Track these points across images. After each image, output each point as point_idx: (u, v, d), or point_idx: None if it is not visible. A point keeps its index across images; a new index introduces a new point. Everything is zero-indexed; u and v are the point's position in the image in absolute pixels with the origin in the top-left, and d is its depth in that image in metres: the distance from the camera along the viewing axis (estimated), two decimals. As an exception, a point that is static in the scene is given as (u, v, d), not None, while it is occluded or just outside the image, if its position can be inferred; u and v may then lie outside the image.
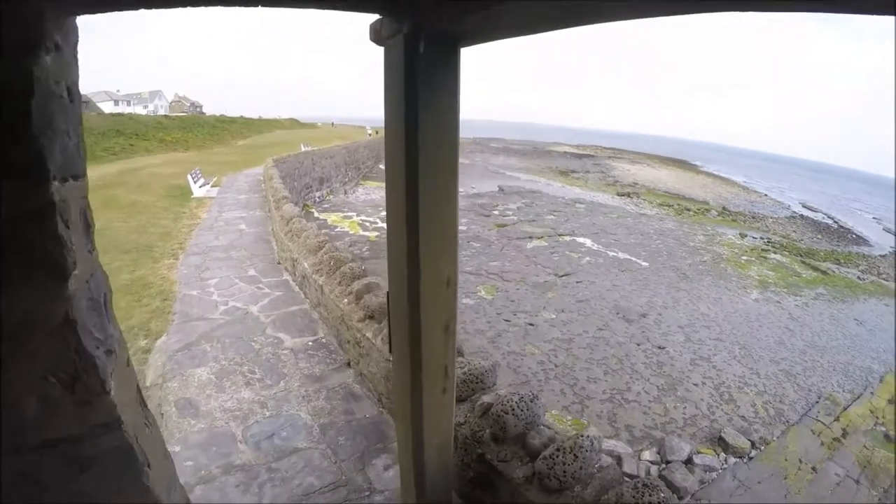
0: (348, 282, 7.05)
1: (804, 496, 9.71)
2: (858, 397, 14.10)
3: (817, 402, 13.21)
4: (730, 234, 36.01)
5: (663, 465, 9.58)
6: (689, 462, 9.86)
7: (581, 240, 27.93)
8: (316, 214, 26.45)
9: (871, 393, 14.49)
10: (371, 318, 5.84)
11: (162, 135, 43.35)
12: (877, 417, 13.11)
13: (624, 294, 19.78)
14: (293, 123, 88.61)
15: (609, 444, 9.82)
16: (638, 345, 15.31)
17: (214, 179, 23.32)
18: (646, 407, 11.77)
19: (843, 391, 14.34)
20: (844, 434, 11.79)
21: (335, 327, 7.05)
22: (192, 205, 18.54)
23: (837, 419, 12.55)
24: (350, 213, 28.90)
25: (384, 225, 27.41)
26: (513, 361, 13.25)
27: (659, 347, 15.36)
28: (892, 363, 16.45)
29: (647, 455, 9.87)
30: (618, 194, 51.08)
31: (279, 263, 10.98)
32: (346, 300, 6.60)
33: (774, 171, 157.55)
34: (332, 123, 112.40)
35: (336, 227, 25.30)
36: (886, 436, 12.02)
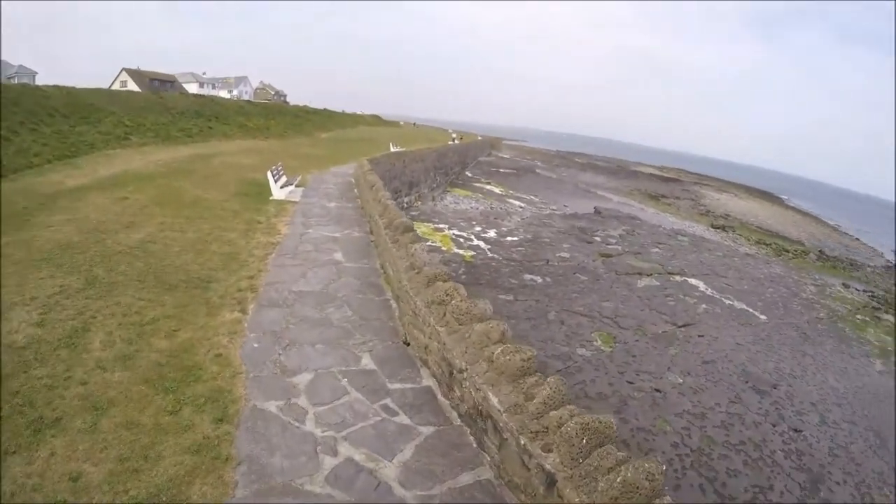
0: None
1: None
2: None
3: None
4: (836, 285, 34.52)
5: None
6: None
7: (693, 282, 25.99)
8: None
9: None
10: None
11: (243, 120, 41.40)
12: None
13: (750, 356, 17.78)
14: (376, 120, 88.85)
15: None
16: (773, 426, 13.67)
17: (299, 179, 19.57)
18: None
19: None
20: None
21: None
22: (270, 210, 14.88)
23: None
24: (441, 225, 26.41)
25: (479, 243, 24.34)
26: (643, 442, 11.71)
27: (795, 431, 13.73)
28: None
29: None
30: (712, 226, 49.44)
31: (407, 344, 7.30)
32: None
33: (852, 208, 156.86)
34: (415, 123, 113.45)
35: (427, 240, 22.25)
36: None
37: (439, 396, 5.93)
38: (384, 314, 8.23)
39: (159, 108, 32.15)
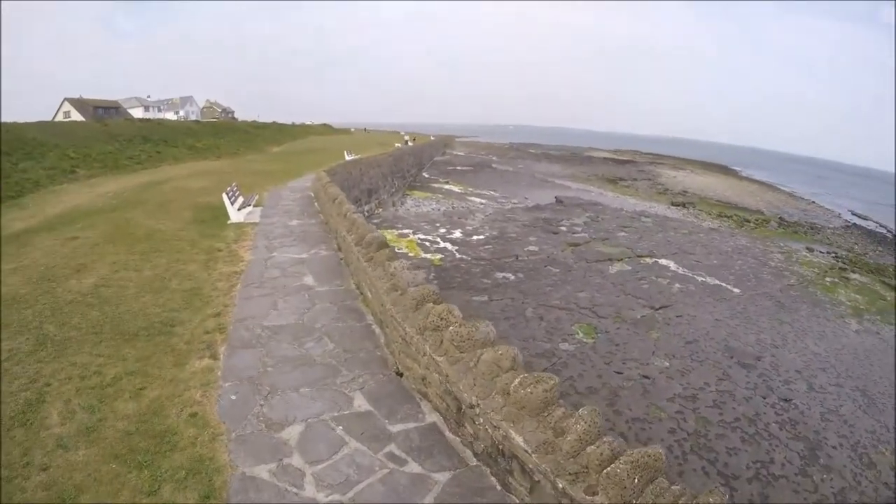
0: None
1: None
2: None
3: None
4: (800, 250, 35.45)
5: None
6: None
7: (664, 262, 26.10)
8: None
9: None
10: None
11: (192, 141, 40.35)
12: None
13: (730, 331, 17.95)
14: (327, 129, 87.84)
15: None
16: (764, 398, 13.79)
17: (256, 198, 18.69)
18: (794, 483, 10.67)
19: None
20: None
21: None
22: (229, 235, 13.95)
23: None
24: (405, 231, 25.82)
25: (446, 244, 23.55)
26: (641, 432, 11.50)
27: (785, 400, 13.90)
28: None
29: None
30: (672, 204, 50.10)
31: (399, 375, 6.63)
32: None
33: (802, 173, 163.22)
34: (366, 129, 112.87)
35: (392, 247, 21.57)
36: None
37: (447, 433, 5.35)
38: (369, 342, 7.56)
39: (105, 137, 30.96)
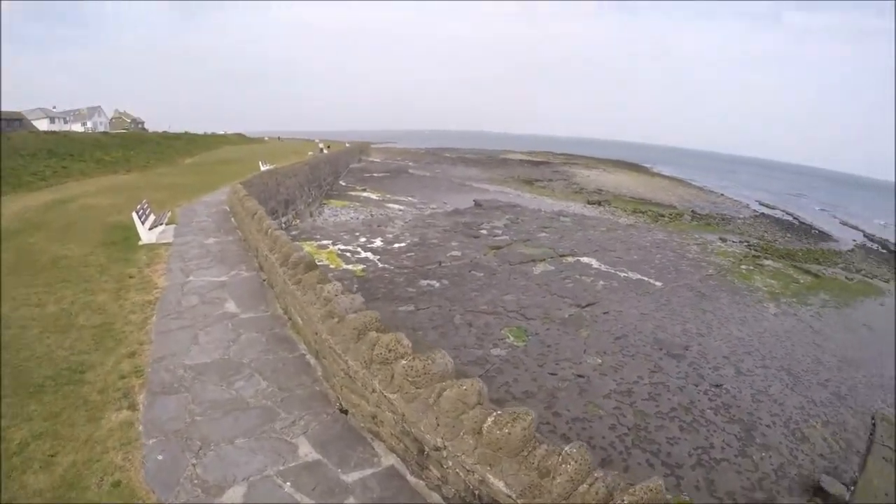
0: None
1: None
2: None
3: (874, 425, 13.59)
4: (714, 241, 37.41)
5: None
6: None
7: (586, 260, 26.70)
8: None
9: None
10: None
11: (100, 154, 37.45)
12: None
13: (657, 324, 18.55)
14: (240, 138, 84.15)
15: None
16: (696, 386, 14.39)
17: (168, 215, 17.36)
18: (736, 465, 11.18)
19: (889, 406, 14.85)
20: None
21: None
22: (141, 258, 12.73)
23: None
24: (325, 242, 25.01)
25: (367, 254, 22.91)
26: (582, 431, 11.62)
27: (717, 386, 14.55)
28: None
29: None
30: (589, 203, 51.46)
31: (344, 412, 5.97)
32: None
33: (710, 168, 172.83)
34: (279, 137, 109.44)
35: (322, 267, 20.81)
36: None
37: (409, 477, 4.82)
38: (305, 376, 6.88)
39: (7, 152, 28.00)
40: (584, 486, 3.39)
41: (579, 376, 13.94)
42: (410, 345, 5.31)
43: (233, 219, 17.76)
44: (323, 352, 6.61)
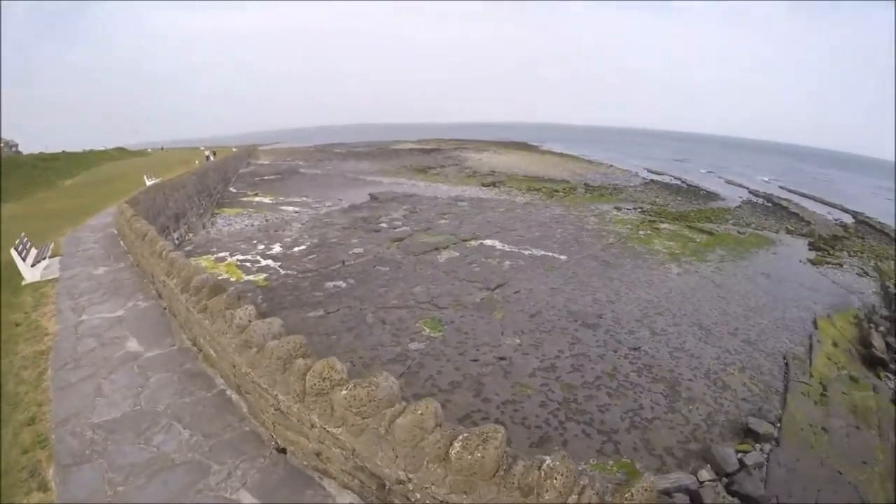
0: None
1: (837, 459, 10.84)
2: (811, 348, 15.94)
3: (786, 364, 14.64)
4: (610, 210, 38.88)
5: (725, 480, 9.91)
6: (742, 466, 10.26)
7: (489, 242, 26.85)
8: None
9: (818, 341, 16.51)
10: None
11: None
12: (835, 363, 15.14)
13: (568, 297, 19.00)
14: (122, 153, 76.90)
15: (672, 479, 9.67)
16: (615, 352, 14.85)
17: (51, 246, 15.69)
18: (668, 421, 11.60)
19: (796, 345, 16.03)
20: (824, 389, 13.79)
21: None
22: (26, 301, 11.14)
23: (812, 375, 14.43)
24: (222, 254, 23.52)
25: (268, 262, 21.70)
26: (515, 414, 11.60)
27: (635, 349, 15.11)
28: (811, 308, 19.58)
29: (705, 474, 10.00)
30: (483, 185, 51.75)
31: (282, 451, 5.37)
32: None
33: (606, 140, 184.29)
34: (162, 147, 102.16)
35: (212, 274, 19.46)
36: (851, 377, 14.58)
37: None
38: (230, 415, 6.16)
39: None
40: (574, 496, 3.15)
41: (501, 359, 13.97)
42: (345, 368, 4.78)
43: (122, 242, 16.06)
44: (245, 386, 5.93)
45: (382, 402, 4.32)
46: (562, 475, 3.25)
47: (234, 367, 6.15)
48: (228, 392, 6.71)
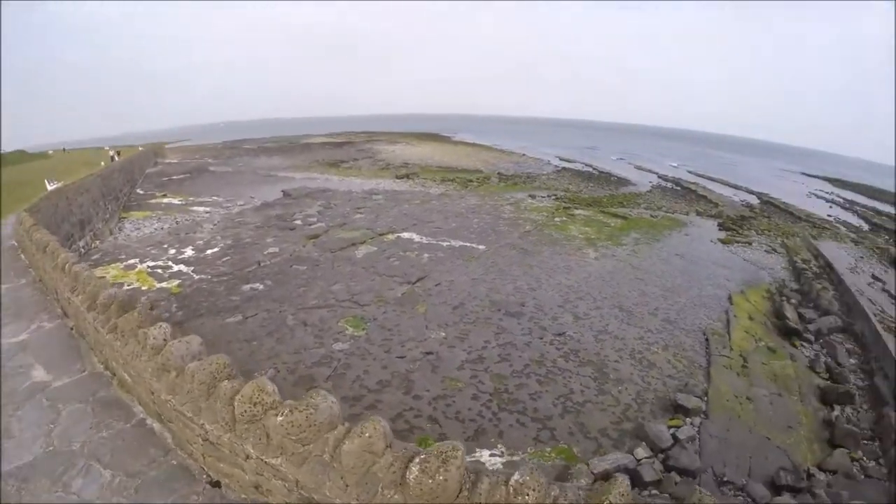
0: None
1: (764, 426, 11.47)
2: (729, 322, 16.86)
3: (707, 340, 15.42)
4: (525, 199, 39.24)
5: (661, 456, 10.23)
6: (676, 441, 10.65)
7: (406, 235, 26.53)
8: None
9: (734, 316, 17.45)
10: None
11: None
12: (752, 336, 16.07)
13: (490, 286, 19.06)
14: (21, 156, 69.49)
15: (610, 460, 9.85)
16: (541, 339, 15.02)
17: None
18: (599, 403, 11.83)
19: (715, 321, 16.92)
20: (745, 361, 14.46)
21: None
22: None
23: (732, 349, 15.09)
24: (132, 261, 21.89)
25: (180, 267, 20.56)
26: (447, 409, 11.47)
27: (560, 335, 15.29)
28: (724, 285, 20.71)
29: (641, 452, 10.25)
30: (397, 177, 51.00)
31: (216, 485, 4.77)
32: None
33: (508, 131, 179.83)
34: (64, 149, 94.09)
35: (122, 283, 18.63)
36: (769, 348, 15.35)
37: None
38: (154, 448, 5.51)
39: None
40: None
41: (428, 353, 13.83)
42: (276, 389, 4.35)
43: (23, 256, 14.66)
44: (168, 415, 5.37)
45: (323, 425, 3.93)
46: (534, 490, 3.08)
47: (152, 393, 5.53)
48: (149, 421, 6.03)
